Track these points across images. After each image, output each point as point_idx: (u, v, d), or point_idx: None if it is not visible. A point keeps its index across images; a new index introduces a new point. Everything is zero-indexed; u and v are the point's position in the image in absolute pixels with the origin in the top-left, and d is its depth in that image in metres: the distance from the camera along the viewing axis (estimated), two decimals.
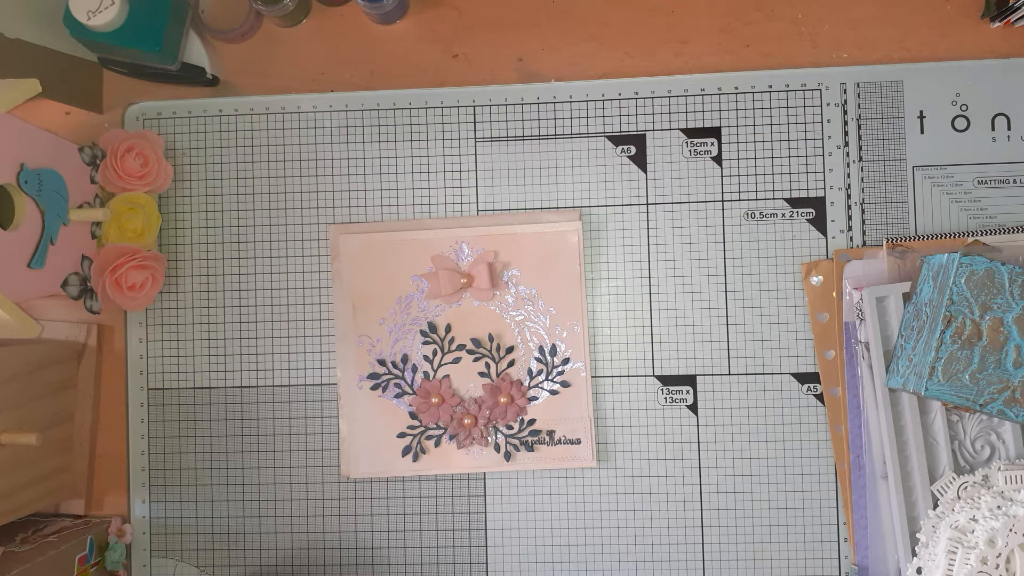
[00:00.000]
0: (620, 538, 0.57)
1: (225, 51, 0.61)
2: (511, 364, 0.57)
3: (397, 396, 0.58)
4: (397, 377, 0.58)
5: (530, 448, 0.57)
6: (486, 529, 0.58)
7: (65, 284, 0.55)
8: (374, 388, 0.58)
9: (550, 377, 0.57)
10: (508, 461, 0.57)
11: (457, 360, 0.58)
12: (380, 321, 0.58)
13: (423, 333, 0.58)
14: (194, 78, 0.60)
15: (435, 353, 0.58)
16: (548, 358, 0.57)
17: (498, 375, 0.57)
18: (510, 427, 0.57)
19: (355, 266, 0.58)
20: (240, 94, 0.61)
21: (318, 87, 0.61)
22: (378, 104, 0.60)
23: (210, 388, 0.59)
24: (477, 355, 0.57)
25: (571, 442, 0.57)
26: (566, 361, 0.57)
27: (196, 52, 0.60)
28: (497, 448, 0.57)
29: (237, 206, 0.60)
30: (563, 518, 0.58)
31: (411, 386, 0.58)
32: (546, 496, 0.58)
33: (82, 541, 0.55)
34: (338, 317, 0.58)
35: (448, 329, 0.58)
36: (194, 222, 0.60)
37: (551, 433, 0.57)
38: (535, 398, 0.57)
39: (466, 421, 0.57)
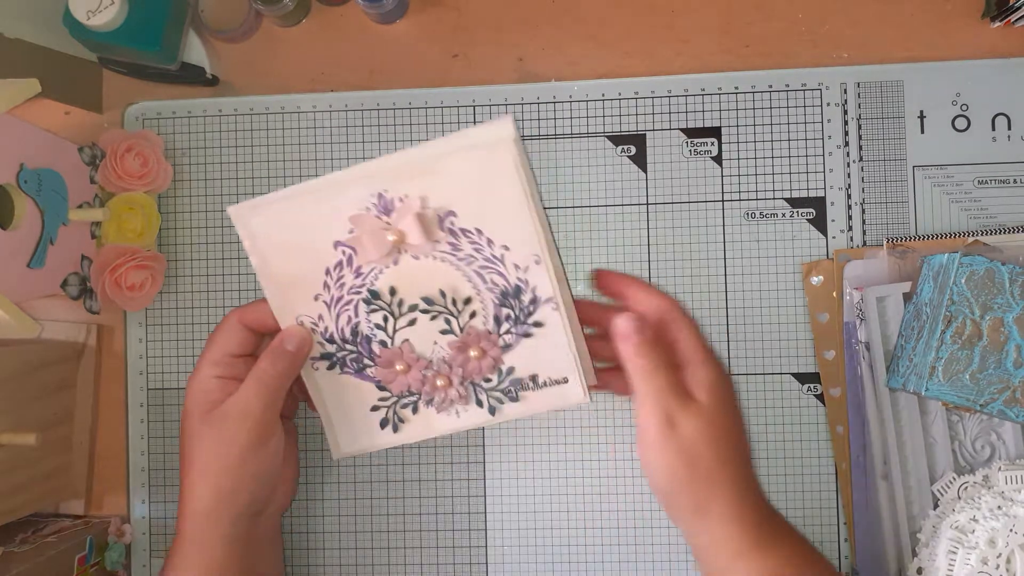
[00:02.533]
0: (620, 537, 0.57)
1: (225, 51, 0.61)
2: (473, 316, 0.50)
3: (358, 371, 0.52)
4: (352, 352, 0.52)
5: (515, 398, 0.51)
6: (486, 529, 0.58)
7: (65, 284, 0.55)
8: (330, 368, 0.52)
9: (520, 320, 0.50)
10: (494, 415, 0.52)
11: (413, 322, 0.51)
12: (315, 297, 0.51)
13: (367, 302, 0.51)
14: (194, 78, 0.60)
15: (386, 319, 0.51)
16: (513, 301, 0.50)
17: (462, 330, 0.50)
18: (488, 380, 0.51)
19: (271, 243, 0.50)
20: (240, 94, 0.61)
21: (318, 87, 0.61)
22: (378, 104, 0.60)
23: None
24: (433, 313, 0.50)
25: (557, 383, 0.51)
26: (534, 301, 0.50)
27: (196, 52, 0.60)
28: (480, 403, 0.52)
29: None
30: (563, 518, 0.58)
31: (370, 357, 0.52)
32: (546, 496, 0.58)
33: (82, 541, 0.55)
34: (272, 303, 0.51)
35: (393, 292, 0.50)
36: (194, 222, 0.60)
37: (534, 377, 0.51)
38: (509, 346, 0.51)
39: (439, 383, 0.51)
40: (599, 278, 0.50)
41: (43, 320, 0.59)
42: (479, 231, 0.48)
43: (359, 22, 0.61)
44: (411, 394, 0.52)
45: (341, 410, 0.53)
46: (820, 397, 0.57)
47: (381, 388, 0.52)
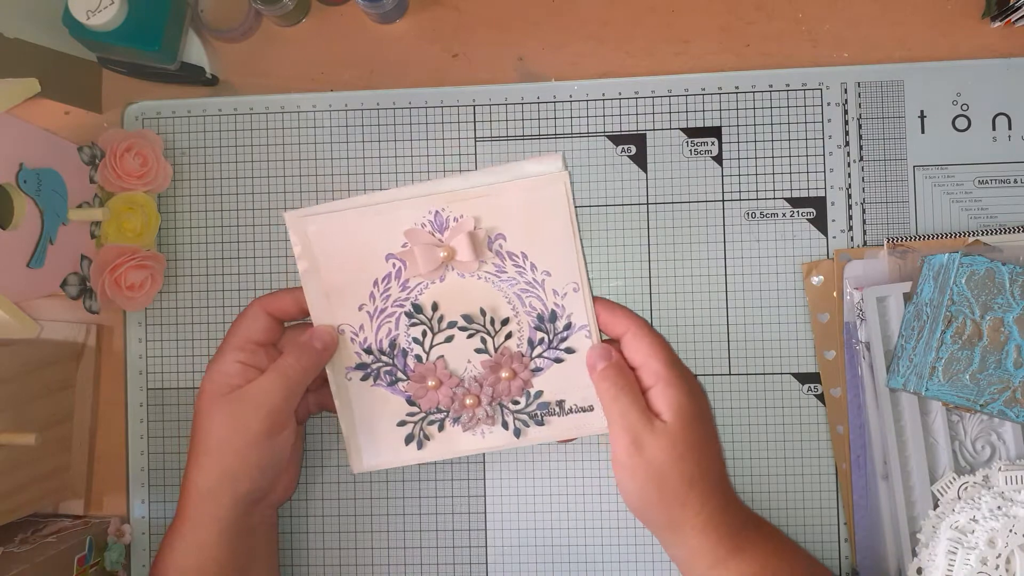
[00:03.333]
0: (620, 538, 0.57)
1: (224, 51, 0.61)
2: (509, 337, 0.52)
3: (391, 384, 0.53)
4: (387, 364, 0.53)
5: (540, 422, 0.53)
6: (486, 529, 0.58)
7: (64, 284, 0.55)
8: (364, 379, 0.53)
9: (553, 345, 0.52)
10: (519, 438, 0.53)
11: (450, 339, 0.53)
12: (359, 307, 0.52)
13: (408, 315, 0.52)
14: (193, 78, 0.60)
15: (425, 334, 0.53)
16: (548, 325, 0.52)
17: (496, 350, 0.52)
18: (516, 402, 0.53)
19: (323, 251, 0.52)
20: (239, 94, 0.61)
21: (318, 86, 0.61)
22: (378, 104, 0.60)
23: None
24: (471, 331, 0.52)
25: (583, 410, 0.53)
26: (568, 327, 0.52)
27: (195, 52, 0.60)
28: (505, 425, 0.53)
29: (236, 206, 0.60)
30: (563, 518, 0.58)
31: (404, 372, 0.53)
32: (547, 496, 0.58)
33: (81, 541, 0.55)
34: (313, 309, 0.52)
35: (435, 307, 0.52)
36: (193, 222, 0.60)
37: (561, 403, 0.53)
38: (539, 369, 0.53)
39: (468, 401, 0.52)
40: None
41: (43, 320, 0.59)
42: (524, 255, 0.51)
43: (359, 22, 0.61)
44: (439, 411, 0.53)
45: (368, 423, 0.54)
46: (820, 397, 0.57)
47: (411, 403, 0.53)
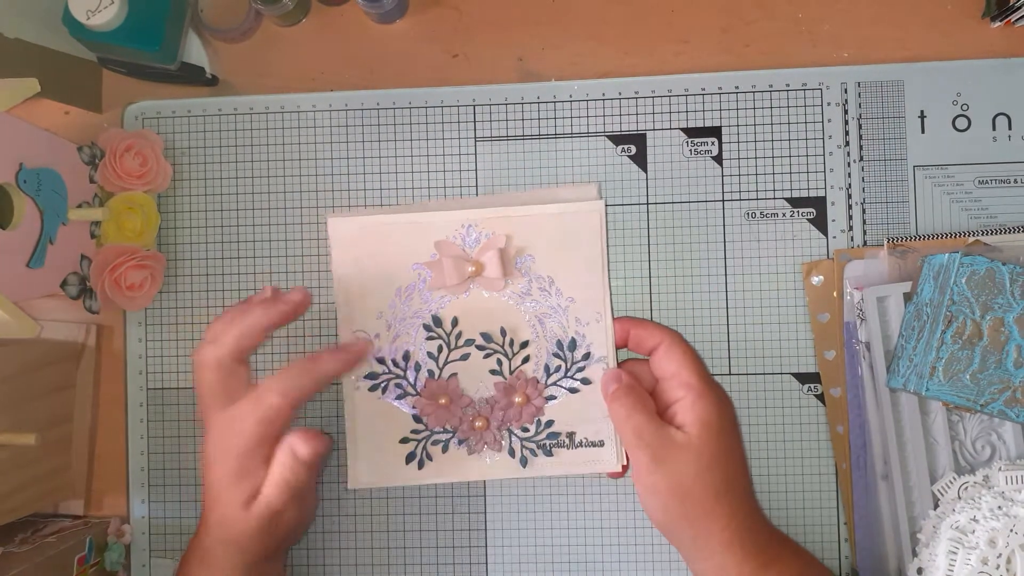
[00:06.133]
0: (620, 538, 0.57)
1: (224, 51, 0.61)
2: (526, 360, 0.52)
3: (399, 398, 0.53)
4: (398, 377, 0.52)
5: (548, 452, 0.52)
6: (486, 529, 0.58)
7: (64, 284, 0.55)
8: (372, 389, 0.53)
9: (569, 374, 0.52)
10: (525, 467, 0.52)
11: (466, 357, 0.52)
12: (378, 315, 0.52)
13: (427, 327, 0.52)
14: (193, 78, 0.60)
15: (440, 349, 0.52)
16: (567, 353, 0.51)
17: (511, 372, 0.52)
18: (526, 429, 0.52)
19: (351, 254, 0.52)
20: (239, 93, 0.61)
21: (318, 86, 0.61)
22: (378, 103, 0.60)
23: None
24: (488, 351, 0.52)
25: (593, 444, 0.52)
26: (587, 356, 0.51)
27: (195, 52, 0.60)
28: (512, 453, 0.52)
29: (236, 206, 0.60)
30: (564, 518, 0.58)
31: (414, 386, 0.52)
32: (547, 495, 0.58)
33: (81, 542, 0.55)
34: (339, 312, 0.53)
35: (455, 323, 0.52)
36: (193, 222, 0.60)
37: (571, 435, 0.52)
38: (553, 397, 0.52)
39: (477, 424, 0.51)
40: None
41: (42, 320, 0.59)
42: (551, 279, 0.51)
43: (359, 22, 0.61)
44: (445, 431, 0.52)
45: (371, 437, 0.53)
46: (820, 397, 0.57)
47: (417, 420, 0.53)
